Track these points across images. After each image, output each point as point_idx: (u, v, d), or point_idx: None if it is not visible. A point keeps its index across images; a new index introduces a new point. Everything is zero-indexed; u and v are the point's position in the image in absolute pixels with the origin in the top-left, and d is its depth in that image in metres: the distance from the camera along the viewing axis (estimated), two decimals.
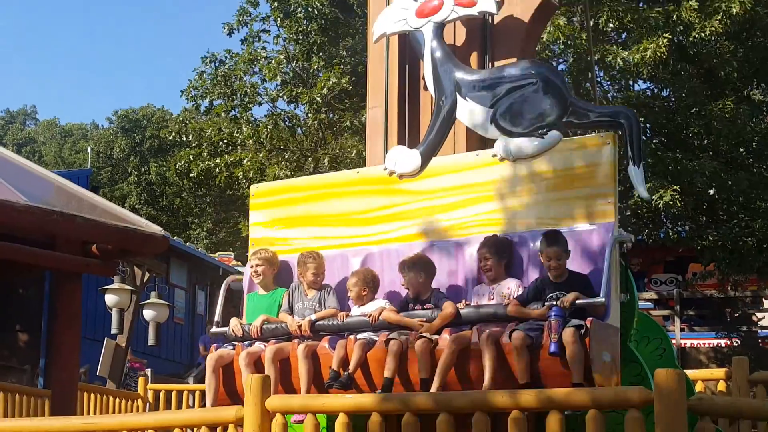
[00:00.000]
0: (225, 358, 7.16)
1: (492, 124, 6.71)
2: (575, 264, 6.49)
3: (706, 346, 20.32)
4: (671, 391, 5.02)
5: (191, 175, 21.35)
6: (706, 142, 17.78)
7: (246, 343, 7.14)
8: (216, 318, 7.48)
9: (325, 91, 18.91)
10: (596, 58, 16.36)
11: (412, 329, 6.59)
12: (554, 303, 6.22)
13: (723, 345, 19.83)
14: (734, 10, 15.87)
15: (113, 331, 16.91)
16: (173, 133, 22.74)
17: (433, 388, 6.24)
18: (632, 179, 6.50)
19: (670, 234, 17.83)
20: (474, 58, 7.36)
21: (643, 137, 17.57)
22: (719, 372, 10.43)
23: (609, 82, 18.81)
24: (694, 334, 20.68)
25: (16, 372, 17.38)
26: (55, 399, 10.37)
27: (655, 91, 18.86)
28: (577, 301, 6.22)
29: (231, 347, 7.20)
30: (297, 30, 19.36)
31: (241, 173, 19.87)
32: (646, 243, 18.16)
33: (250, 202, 7.90)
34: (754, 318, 20.76)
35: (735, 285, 19.82)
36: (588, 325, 6.10)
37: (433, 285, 6.82)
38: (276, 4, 19.87)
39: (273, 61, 20.04)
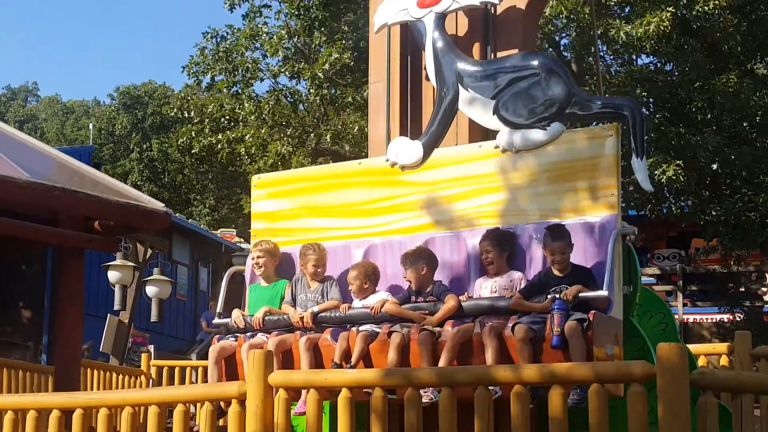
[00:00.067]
0: (227, 349, 7.15)
1: (494, 115, 6.65)
2: (578, 257, 6.46)
3: (709, 321, 20.31)
4: (674, 366, 4.98)
5: (193, 151, 21.36)
6: (709, 116, 17.74)
7: (248, 334, 7.13)
8: (218, 309, 7.47)
9: (326, 66, 18.85)
10: (599, 32, 16.27)
11: (414, 321, 6.59)
12: (557, 296, 6.20)
13: (726, 320, 19.82)
14: None
15: (116, 307, 16.92)
16: (175, 110, 22.77)
17: None
18: (635, 171, 6.45)
19: (673, 209, 17.80)
20: (476, 48, 7.30)
21: (646, 111, 17.59)
22: (722, 346, 10.37)
23: (612, 57, 18.76)
24: (696, 309, 20.66)
25: (19, 348, 17.39)
26: (59, 375, 10.44)
27: (659, 65, 18.79)
28: (580, 294, 6.20)
29: (233, 338, 7.20)
30: (298, 5, 19.27)
31: (243, 149, 19.87)
32: (648, 218, 18.13)
33: (252, 192, 7.88)
34: (760, 292, 20.74)
35: (738, 260, 19.81)
36: (591, 319, 6.10)
37: (436, 277, 6.80)
38: None
39: (274, 37, 19.95)
